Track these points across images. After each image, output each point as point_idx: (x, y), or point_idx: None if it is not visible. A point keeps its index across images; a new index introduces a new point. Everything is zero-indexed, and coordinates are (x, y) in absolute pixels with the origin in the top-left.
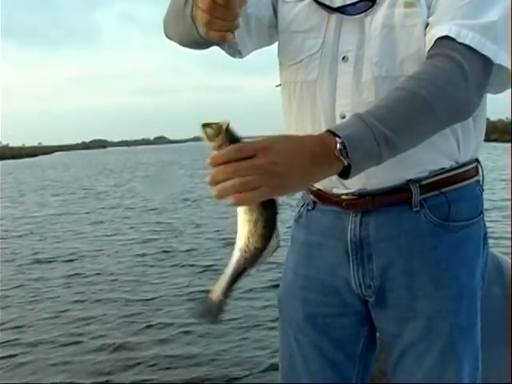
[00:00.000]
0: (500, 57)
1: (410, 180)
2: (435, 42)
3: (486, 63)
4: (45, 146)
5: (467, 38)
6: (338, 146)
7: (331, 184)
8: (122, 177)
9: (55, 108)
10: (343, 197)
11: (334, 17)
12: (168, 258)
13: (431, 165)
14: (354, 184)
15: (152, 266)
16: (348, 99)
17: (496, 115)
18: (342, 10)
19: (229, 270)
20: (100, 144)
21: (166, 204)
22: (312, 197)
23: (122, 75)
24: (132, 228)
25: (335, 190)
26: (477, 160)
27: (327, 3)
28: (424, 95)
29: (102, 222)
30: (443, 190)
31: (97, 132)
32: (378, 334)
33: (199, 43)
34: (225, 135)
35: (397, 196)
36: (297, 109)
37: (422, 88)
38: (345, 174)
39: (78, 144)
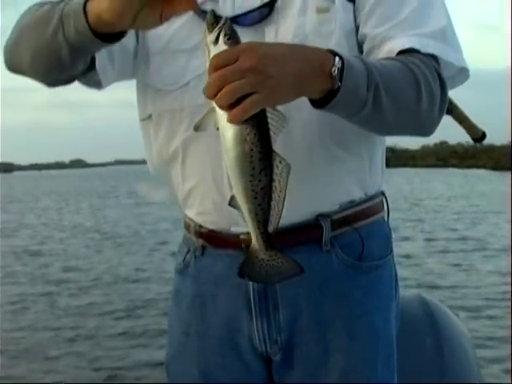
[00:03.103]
0: (460, 60)
1: (321, 214)
2: (396, 55)
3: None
4: None
5: (430, 47)
6: (337, 63)
7: (229, 221)
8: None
9: None
10: (242, 236)
11: None
12: None
13: (342, 195)
14: None
15: None
16: None
17: (455, 139)
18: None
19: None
20: (5, 167)
21: None
22: (201, 240)
23: (28, 88)
24: None
25: (233, 229)
26: (383, 193)
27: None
28: (416, 75)
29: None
30: (355, 225)
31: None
32: None
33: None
34: (219, 28)
35: (306, 233)
36: (186, 139)
37: (415, 67)
38: (324, 101)
39: None
